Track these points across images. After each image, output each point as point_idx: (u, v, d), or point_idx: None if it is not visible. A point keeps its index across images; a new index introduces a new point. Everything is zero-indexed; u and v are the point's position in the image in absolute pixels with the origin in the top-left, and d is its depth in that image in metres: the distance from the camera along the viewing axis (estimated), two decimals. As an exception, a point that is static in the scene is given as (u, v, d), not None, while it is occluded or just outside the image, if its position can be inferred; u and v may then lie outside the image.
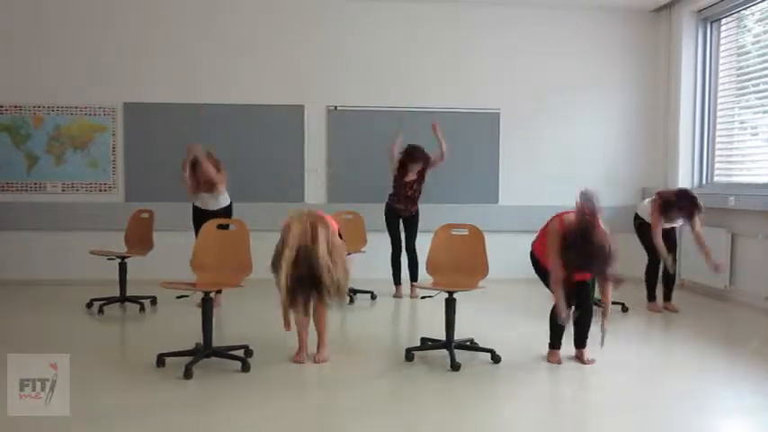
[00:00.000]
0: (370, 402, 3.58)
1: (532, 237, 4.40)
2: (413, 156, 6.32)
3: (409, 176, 6.40)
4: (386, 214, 6.50)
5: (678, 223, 5.86)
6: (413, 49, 7.39)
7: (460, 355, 4.19)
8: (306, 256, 3.70)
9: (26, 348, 4.33)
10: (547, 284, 4.18)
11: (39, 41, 7.10)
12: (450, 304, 4.23)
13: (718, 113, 7.07)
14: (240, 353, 4.18)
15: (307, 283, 3.72)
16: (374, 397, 3.68)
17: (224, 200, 5.90)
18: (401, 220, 6.52)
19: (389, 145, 6.52)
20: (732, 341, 5.19)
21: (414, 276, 6.35)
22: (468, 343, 4.42)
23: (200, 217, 5.59)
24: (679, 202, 5.62)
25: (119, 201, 7.18)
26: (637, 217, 6.05)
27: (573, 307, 4.30)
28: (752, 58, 6.68)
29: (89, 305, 5.75)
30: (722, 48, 7.05)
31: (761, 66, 6.48)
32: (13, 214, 7.06)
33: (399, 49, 7.38)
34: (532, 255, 4.36)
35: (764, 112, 6.51)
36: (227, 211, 5.87)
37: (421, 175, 6.43)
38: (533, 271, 4.37)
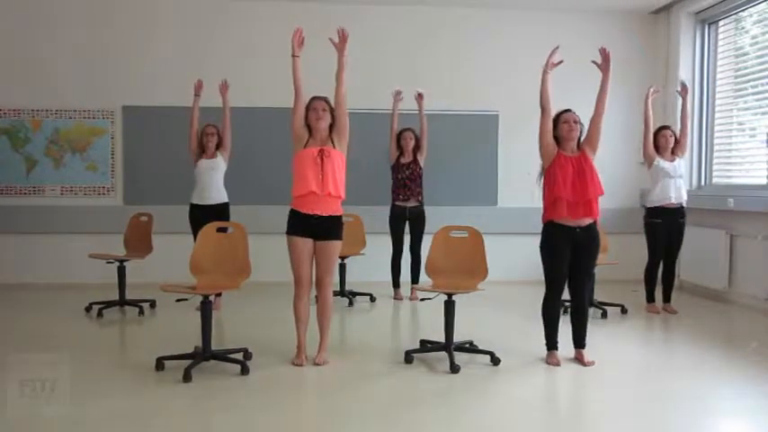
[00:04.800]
0: (369, 405, 3.58)
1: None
2: (407, 130, 6.50)
3: (405, 158, 6.44)
4: (390, 216, 6.50)
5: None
6: (412, 51, 7.40)
7: (460, 358, 4.19)
8: None
9: (26, 351, 4.33)
10: (547, 258, 4.16)
11: (37, 45, 7.10)
12: (450, 306, 4.22)
13: (717, 115, 7.08)
14: (239, 356, 4.17)
15: None
16: (373, 399, 3.68)
17: (222, 193, 5.88)
18: (407, 222, 6.48)
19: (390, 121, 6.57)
20: (731, 342, 5.19)
21: (415, 278, 6.36)
22: (467, 345, 4.42)
23: (198, 217, 5.59)
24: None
25: (118, 204, 7.18)
26: (647, 212, 5.99)
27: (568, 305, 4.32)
28: (750, 59, 6.69)
29: (88, 309, 5.74)
30: (720, 49, 7.06)
31: (759, 67, 6.49)
32: (13, 218, 7.05)
33: (398, 51, 7.38)
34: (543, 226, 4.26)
35: (763, 113, 6.52)
36: (225, 208, 5.84)
37: (416, 160, 6.44)
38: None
